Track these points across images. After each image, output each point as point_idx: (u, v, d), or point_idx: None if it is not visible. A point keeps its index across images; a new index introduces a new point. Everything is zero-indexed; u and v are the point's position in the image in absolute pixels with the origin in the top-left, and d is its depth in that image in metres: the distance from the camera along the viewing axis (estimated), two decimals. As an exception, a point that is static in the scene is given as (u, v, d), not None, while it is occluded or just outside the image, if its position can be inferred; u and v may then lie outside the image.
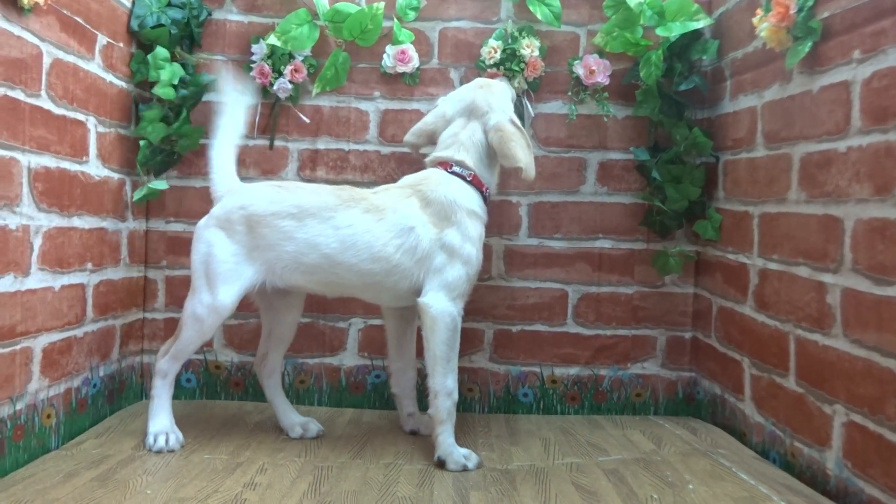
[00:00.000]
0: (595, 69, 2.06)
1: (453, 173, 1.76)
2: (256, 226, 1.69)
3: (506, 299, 2.16)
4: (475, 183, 1.76)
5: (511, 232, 2.16)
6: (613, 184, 2.15)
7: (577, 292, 2.16)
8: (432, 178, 1.75)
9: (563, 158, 2.15)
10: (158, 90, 1.96)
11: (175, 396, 1.81)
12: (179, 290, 2.07)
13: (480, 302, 2.15)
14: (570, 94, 2.12)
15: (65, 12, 1.67)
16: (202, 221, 1.74)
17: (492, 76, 2.05)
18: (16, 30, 1.50)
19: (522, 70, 2.07)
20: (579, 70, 2.08)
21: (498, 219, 2.14)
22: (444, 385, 1.66)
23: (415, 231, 1.67)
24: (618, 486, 1.51)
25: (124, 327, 2.04)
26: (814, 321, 1.54)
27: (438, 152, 1.81)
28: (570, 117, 2.12)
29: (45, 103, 1.61)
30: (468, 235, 1.69)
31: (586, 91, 2.11)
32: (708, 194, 2.08)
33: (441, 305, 1.66)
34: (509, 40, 2.07)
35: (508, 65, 2.06)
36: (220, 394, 2.16)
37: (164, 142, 2.03)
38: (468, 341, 2.16)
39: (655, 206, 2.08)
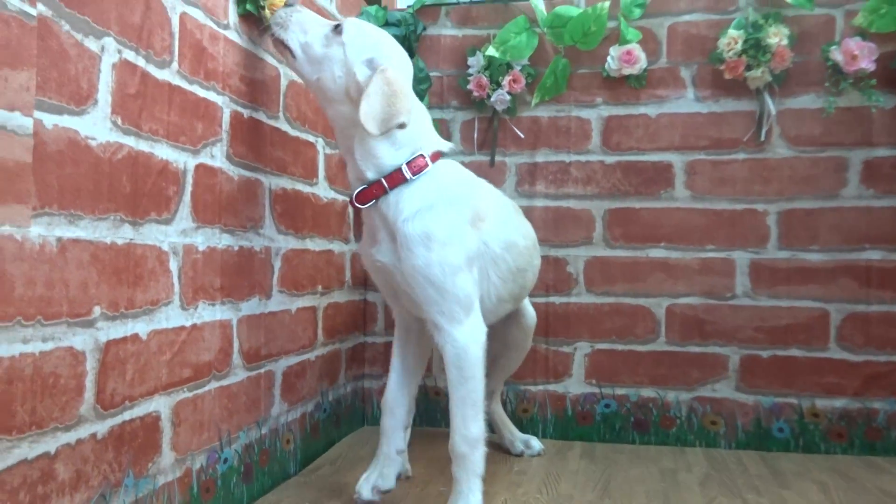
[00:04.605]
0: (858, 54, 1.79)
1: None
2: None
3: (753, 320, 1.91)
4: None
5: (757, 244, 1.91)
6: (883, 185, 1.85)
7: (841, 312, 1.87)
8: None
9: (817, 159, 1.88)
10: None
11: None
12: (398, 313, 2.01)
13: (723, 323, 1.92)
14: (827, 84, 1.85)
15: (298, 35, 1.67)
16: None
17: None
18: (259, 52, 1.50)
19: (768, 61, 1.83)
20: (837, 56, 1.81)
21: (742, 230, 1.91)
22: None
23: None
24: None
25: (348, 351, 2.01)
26: None
27: None
28: (828, 110, 1.85)
29: (282, 125, 1.61)
30: None
31: (847, 80, 1.83)
32: None
33: None
34: (750, 29, 1.85)
35: (751, 55, 1.84)
36: (441, 421, 2.07)
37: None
38: (710, 368, 1.92)
39: (944, 209, 1.75)
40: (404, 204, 1.32)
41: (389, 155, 1.34)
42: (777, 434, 1.89)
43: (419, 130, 1.37)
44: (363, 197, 1.35)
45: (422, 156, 1.35)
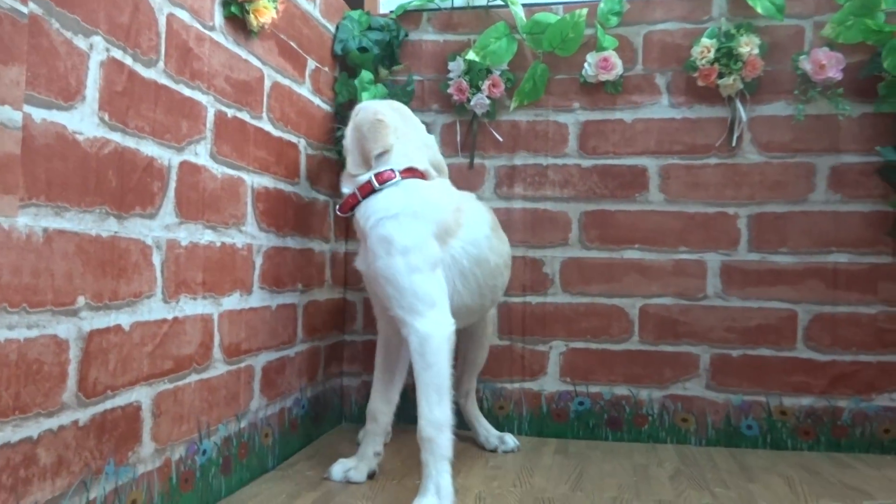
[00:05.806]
0: (826, 63, 1.85)
1: None
2: None
3: (724, 320, 1.96)
4: None
5: (728, 246, 1.96)
6: (849, 190, 1.91)
7: (809, 313, 1.93)
8: None
9: (787, 164, 1.94)
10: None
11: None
12: (378, 312, 2.04)
13: (695, 324, 1.97)
14: (796, 92, 1.91)
15: (282, 37, 1.71)
16: None
17: None
18: (243, 53, 1.53)
19: (739, 70, 1.89)
20: (806, 66, 1.87)
21: (714, 233, 1.96)
22: None
23: None
24: (905, 538, 1.28)
25: (327, 349, 2.04)
26: None
27: None
28: (797, 118, 1.91)
29: (265, 125, 1.64)
30: None
31: (815, 88, 1.89)
32: (973, 198, 1.79)
33: None
34: (723, 38, 1.91)
35: (724, 64, 1.89)
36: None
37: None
38: (682, 367, 1.97)
39: (906, 214, 1.82)
40: (371, 210, 1.50)
41: (366, 176, 1.53)
42: (746, 431, 1.94)
43: (398, 157, 1.55)
44: (344, 208, 1.57)
45: (390, 170, 1.52)
